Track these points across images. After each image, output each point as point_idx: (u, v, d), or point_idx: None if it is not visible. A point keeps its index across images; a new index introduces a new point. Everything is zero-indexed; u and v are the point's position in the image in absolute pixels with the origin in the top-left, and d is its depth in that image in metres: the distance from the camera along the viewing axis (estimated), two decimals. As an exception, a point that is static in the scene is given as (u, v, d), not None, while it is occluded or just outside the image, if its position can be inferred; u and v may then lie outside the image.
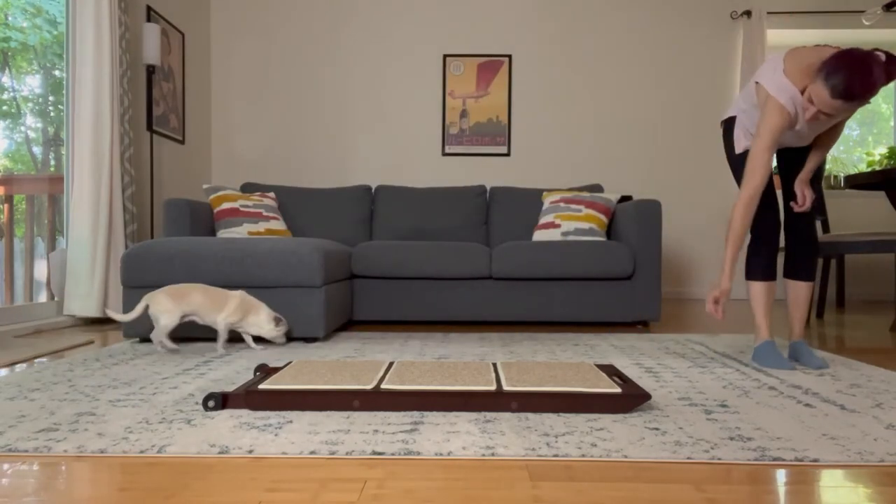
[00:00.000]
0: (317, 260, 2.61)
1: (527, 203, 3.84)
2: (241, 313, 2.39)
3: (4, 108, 3.43)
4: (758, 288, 2.17)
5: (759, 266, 2.17)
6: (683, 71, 5.03)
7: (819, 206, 2.25)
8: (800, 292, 2.22)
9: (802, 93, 1.92)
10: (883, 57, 1.76)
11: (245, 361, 2.17)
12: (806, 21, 4.98)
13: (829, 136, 2.15)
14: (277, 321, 2.45)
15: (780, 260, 5.23)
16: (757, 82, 2.03)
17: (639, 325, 3.31)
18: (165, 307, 2.30)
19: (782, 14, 4.94)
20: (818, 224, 3.59)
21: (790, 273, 2.23)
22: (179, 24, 4.48)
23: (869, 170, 4.65)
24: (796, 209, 2.18)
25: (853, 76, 1.73)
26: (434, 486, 1.05)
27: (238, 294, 2.42)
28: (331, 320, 2.75)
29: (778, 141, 1.97)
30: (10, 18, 3.32)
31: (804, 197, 2.16)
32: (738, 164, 2.26)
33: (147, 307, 2.32)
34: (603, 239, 3.40)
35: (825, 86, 1.77)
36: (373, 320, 3.38)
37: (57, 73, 3.55)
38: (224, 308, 2.36)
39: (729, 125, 2.29)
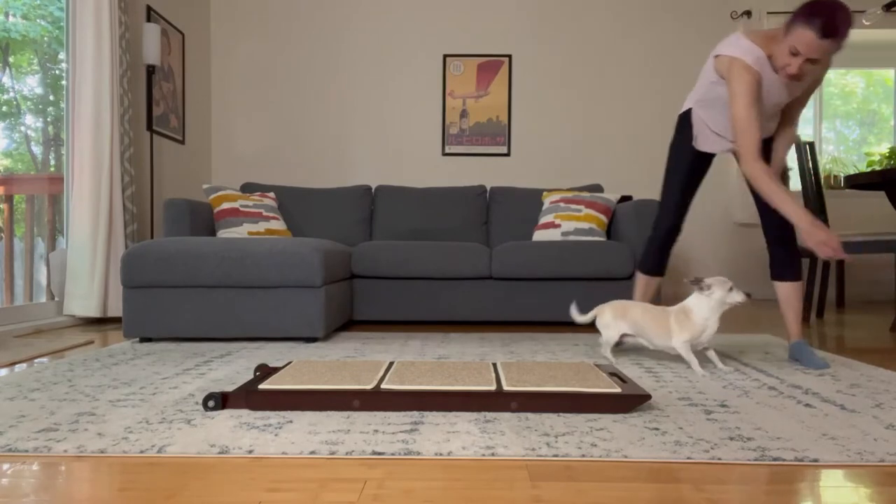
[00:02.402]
0: (317, 260, 2.61)
1: (527, 203, 3.84)
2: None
3: (4, 108, 3.43)
4: (640, 279, 2.45)
5: (644, 259, 2.44)
6: (683, 71, 5.03)
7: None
8: (789, 293, 2.20)
9: (770, 58, 1.97)
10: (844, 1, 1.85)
11: (245, 361, 2.17)
12: (806, 21, 4.97)
13: (783, 121, 2.19)
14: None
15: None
16: (717, 55, 2.05)
17: (639, 325, 3.31)
18: (605, 321, 2.18)
19: (782, 14, 4.94)
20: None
21: (776, 275, 2.22)
22: (179, 24, 4.48)
23: (869, 170, 4.66)
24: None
25: (835, 13, 1.78)
26: (434, 486, 1.05)
27: (674, 308, 2.08)
28: (331, 320, 2.75)
29: (757, 97, 1.96)
30: (10, 19, 3.31)
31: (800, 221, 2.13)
32: (673, 152, 2.33)
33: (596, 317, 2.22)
34: (603, 239, 3.40)
35: (810, 28, 1.80)
36: (373, 320, 3.38)
37: (57, 72, 3.55)
38: (668, 328, 2.04)
39: (685, 117, 2.29)
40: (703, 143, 2.26)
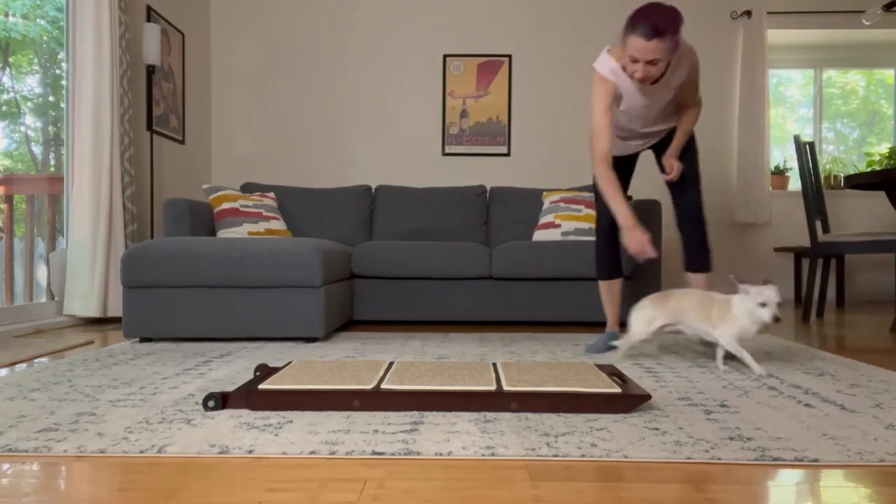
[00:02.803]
0: (317, 260, 2.61)
1: (527, 203, 3.84)
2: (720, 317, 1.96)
3: (4, 108, 3.43)
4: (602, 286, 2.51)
5: (601, 266, 2.50)
6: (683, 71, 5.02)
7: (689, 181, 2.30)
8: (699, 285, 2.32)
9: (625, 69, 2.06)
10: (668, 5, 1.95)
11: (245, 361, 2.17)
12: (806, 21, 4.98)
13: (681, 112, 2.28)
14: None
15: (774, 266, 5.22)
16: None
17: (639, 325, 3.31)
18: (647, 315, 2.07)
19: (782, 14, 4.94)
20: (818, 224, 3.58)
21: (688, 266, 2.32)
22: (179, 24, 4.48)
23: (869, 170, 4.65)
24: (665, 178, 2.30)
25: (654, 15, 1.89)
26: (434, 486, 1.05)
27: (721, 297, 2.00)
28: (331, 320, 2.75)
29: (609, 106, 2.11)
30: (10, 19, 3.31)
31: (671, 167, 2.27)
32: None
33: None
34: (603, 239, 3.40)
35: (636, 34, 1.91)
36: (373, 320, 3.38)
37: (57, 72, 3.55)
38: (709, 315, 1.97)
39: None
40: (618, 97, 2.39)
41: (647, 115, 2.26)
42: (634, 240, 1.99)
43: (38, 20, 3.45)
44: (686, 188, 2.30)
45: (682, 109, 2.31)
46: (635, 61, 1.97)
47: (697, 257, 2.29)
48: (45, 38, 3.50)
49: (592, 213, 3.46)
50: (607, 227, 2.44)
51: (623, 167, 2.46)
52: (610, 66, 2.12)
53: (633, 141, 2.40)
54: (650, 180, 5.04)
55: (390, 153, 5.03)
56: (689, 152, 2.34)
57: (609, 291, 2.50)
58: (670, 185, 2.37)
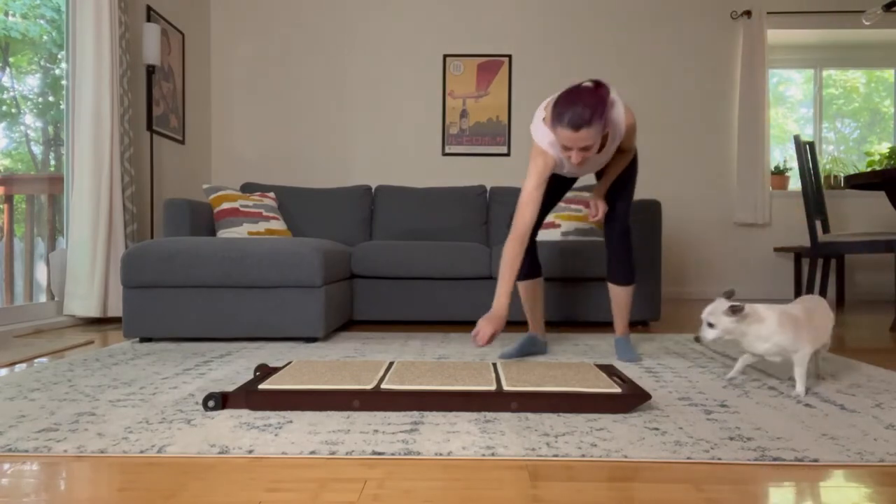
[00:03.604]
0: (317, 260, 2.61)
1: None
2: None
3: (4, 108, 3.43)
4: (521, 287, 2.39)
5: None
6: (683, 71, 5.03)
7: (620, 207, 2.28)
8: (618, 295, 2.32)
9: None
10: (590, 84, 1.89)
11: (245, 361, 2.17)
12: (806, 21, 4.98)
13: (616, 166, 2.24)
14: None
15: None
16: (533, 125, 2.14)
17: (639, 324, 3.31)
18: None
19: (782, 14, 4.94)
20: (818, 224, 3.58)
21: (610, 278, 2.32)
22: (179, 24, 4.48)
23: (869, 170, 4.65)
24: (589, 219, 2.29)
25: (574, 105, 1.83)
26: (434, 486, 1.05)
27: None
28: (331, 320, 2.75)
29: (544, 180, 2.06)
30: (10, 18, 3.31)
31: (596, 209, 2.26)
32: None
33: None
34: (603, 239, 3.40)
35: (562, 127, 1.85)
36: (373, 320, 3.38)
37: (57, 72, 3.55)
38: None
39: None
40: (557, 168, 2.38)
41: (593, 170, 2.26)
42: (483, 328, 1.94)
43: (37, 20, 3.45)
44: (617, 212, 2.27)
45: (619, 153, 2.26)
46: (568, 149, 1.91)
47: (619, 272, 2.28)
48: (44, 37, 3.50)
49: (592, 213, 3.46)
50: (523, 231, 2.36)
51: (560, 185, 2.38)
52: (549, 139, 2.05)
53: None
54: (651, 180, 5.04)
55: (390, 153, 5.03)
56: (624, 176, 2.28)
57: (527, 292, 2.38)
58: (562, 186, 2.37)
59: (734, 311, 1.64)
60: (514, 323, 3.44)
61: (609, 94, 1.88)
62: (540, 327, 2.39)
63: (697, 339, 1.71)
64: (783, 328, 1.65)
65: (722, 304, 1.69)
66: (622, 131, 2.05)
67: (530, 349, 2.33)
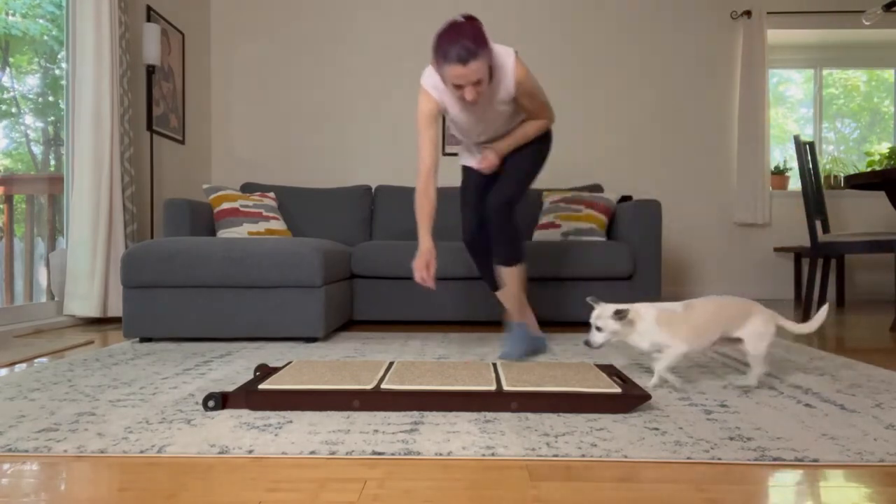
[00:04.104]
0: (317, 260, 2.61)
1: (527, 203, 3.84)
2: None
3: (4, 107, 3.43)
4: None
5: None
6: (683, 71, 5.03)
7: (504, 181, 2.18)
8: (499, 275, 2.26)
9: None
10: (461, 17, 1.91)
11: (245, 361, 2.17)
12: (806, 21, 4.98)
13: (526, 112, 2.18)
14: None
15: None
16: None
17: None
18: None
19: (782, 14, 4.94)
20: (818, 224, 3.58)
21: (494, 258, 2.28)
22: (179, 24, 4.48)
23: (869, 170, 4.65)
24: (475, 165, 2.24)
25: (459, 37, 1.84)
26: (434, 486, 1.05)
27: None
28: (331, 320, 2.75)
29: (430, 122, 2.09)
30: (10, 17, 3.31)
31: (484, 157, 2.19)
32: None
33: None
34: (603, 239, 3.40)
35: (449, 63, 1.86)
36: (373, 320, 3.38)
37: (57, 72, 3.55)
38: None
39: None
40: (466, 160, 2.40)
41: (487, 130, 2.20)
42: (419, 265, 2.02)
43: (37, 20, 3.45)
44: (498, 186, 2.18)
45: (526, 114, 2.22)
46: (460, 87, 1.91)
47: (497, 251, 2.19)
48: (45, 36, 3.50)
49: (592, 213, 3.46)
50: (475, 224, 2.31)
51: (487, 178, 2.34)
52: (433, 82, 2.08)
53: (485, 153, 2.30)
54: (652, 180, 5.04)
55: (390, 153, 5.03)
56: (522, 153, 2.23)
57: (505, 297, 2.32)
58: (488, 177, 2.31)
59: (619, 315, 1.69)
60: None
61: (482, 28, 1.90)
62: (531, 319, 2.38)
63: (587, 343, 1.74)
64: (659, 325, 1.70)
65: (608, 308, 1.72)
66: (510, 80, 2.03)
67: (533, 346, 2.32)
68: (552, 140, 2.34)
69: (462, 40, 1.83)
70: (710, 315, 1.73)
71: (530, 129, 2.21)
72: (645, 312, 1.73)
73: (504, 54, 2.03)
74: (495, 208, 2.14)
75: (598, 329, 1.73)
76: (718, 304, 1.75)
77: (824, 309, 1.78)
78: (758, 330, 1.72)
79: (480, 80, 1.90)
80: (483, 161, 2.20)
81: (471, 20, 1.89)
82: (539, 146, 2.26)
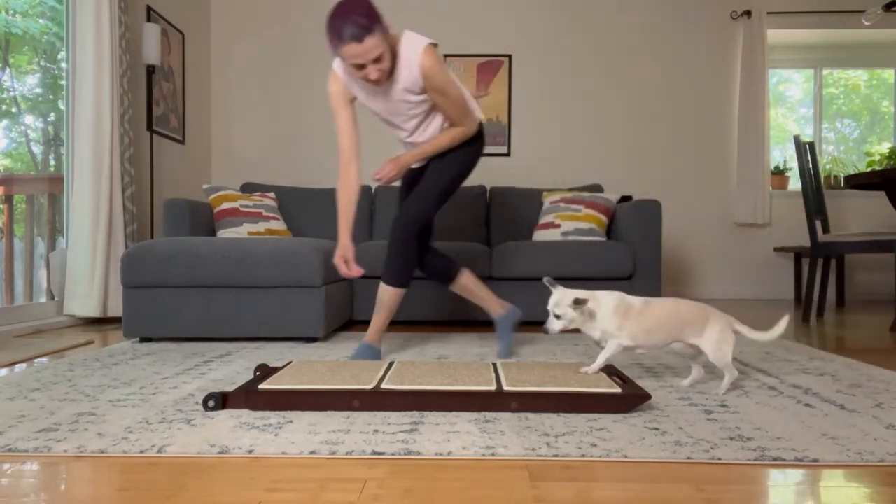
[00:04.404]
0: (317, 260, 2.61)
1: (527, 203, 3.84)
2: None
3: (4, 107, 3.43)
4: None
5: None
6: (683, 71, 5.03)
7: (416, 195, 2.12)
8: (380, 293, 2.17)
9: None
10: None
11: (245, 361, 2.17)
12: (806, 21, 4.98)
13: (446, 116, 2.11)
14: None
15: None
16: None
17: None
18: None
19: (782, 14, 4.94)
20: (818, 224, 3.58)
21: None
22: (179, 24, 4.48)
23: (869, 170, 4.65)
24: (374, 177, 2.14)
25: (349, 14, 1.80)
26: (434, 486, 1.04)
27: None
28: (331, 320, 2.75)
29: (341, 105, 2.09)
30: (10, 17, 3.31)
31: (383, 168, 2.10)
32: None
33: None
34: (603, 239, 3.40)
35: (345, 43, 1.83)
36: (373, 320, 3.38)
37: (57, 72, 3.55)
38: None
39: None
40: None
41: (405, 126, 2.14)
42: (337, 262, 2.03)
43: (38, 20, 3.45)
44: (410, 199, 2.11)
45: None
46: (362, 66, 1.87)
47: (385, 264, 2.13)
48: (44, 36, 3.50)
49: (592, 213, 3.46)
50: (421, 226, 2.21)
51: (416, 178, 2.30)
52: (341, 63, 2.05)
53: (406, 144, 2.26)
54: (652, 180, 5.04)
55: (390, 153, 5.03)
56: (445, 163, 2.14)
57: (463, 290, 2.29)
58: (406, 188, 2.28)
59: (578, 303, 1.66)
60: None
61: (372, 4, 1.86)
62: (499, 303, 2.34)
63: (545, 331, 1.71)
64: (614, 314, 1.66)
65: (567, 296, 1.68)
66: (416, 68, 1.96)
67: (511, 323, 2.29)
68: (482, 146, 2.22)
69: (353, 17, 1.79)
70: (664, 317, 1.68)
71: (444, 139, 2.11)
72: (604, 301, 1.68)
73: (414, 42, 1.96)
74: (400, 221, 2.08)
75: (557, 317, 1.68)
76: (675, 308, 1.70)
77: (785, 319, 1.73)
78: (714, 337, 1.66)
79: (380, 56, 1.87)
80: (380, 170, 2.10)
81: None
82: (462, 157, 2.16)
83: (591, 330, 1.70)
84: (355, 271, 2.03)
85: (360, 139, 2.13)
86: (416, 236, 2.10)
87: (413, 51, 1.96)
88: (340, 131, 2.11)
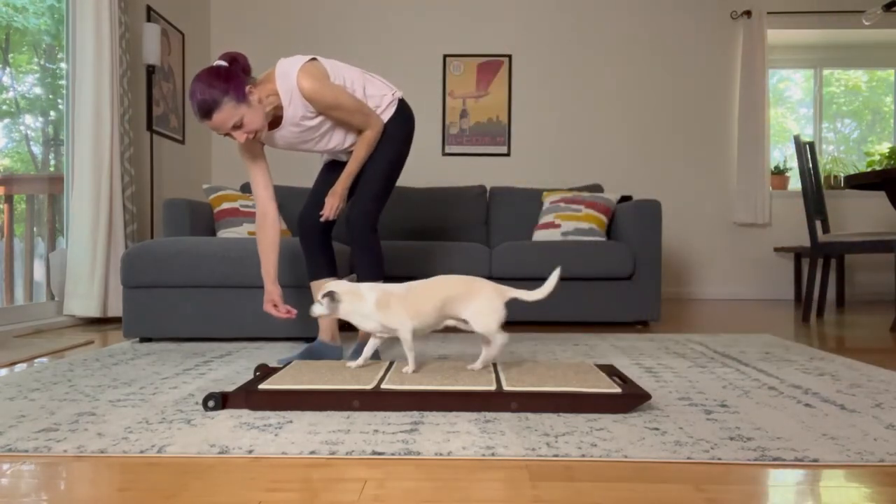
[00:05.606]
0: (317, 260, 2.60)
1: (527, 203, 3.84)
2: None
3: (4, 107, 3.43)
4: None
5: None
6: (683, 71, 5.03)
7: (360, 196, 2.11)
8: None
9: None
10: (217, 61, 1.86)
11: (245, 361, 2.17)
12: (806, 21, 4.98)
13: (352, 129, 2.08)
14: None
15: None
16: None
17: (639, 324, 3.31)
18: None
19: (782, 14, 4.94)
20: (818, 224, 3.58)
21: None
22: (179, 24, 4.48)
23: (869, 170, 4.65)
24: (322, 219, 2.11)
25: (194, 93, 1.80)
26: (434, 486, 1.04)
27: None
28: (331, 320, 2.75)
29: (248, 158, 2.05)
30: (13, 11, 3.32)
31: (329, 207, 2.07)
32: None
33: None
34: (603, 239, 3.40)
35: (200, 119, 1.84)
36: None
37: (57, 72, 3.55)
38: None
39: None
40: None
41: (320, 145, 2.10)
42: (267, 308, 2.01)
43: (39, 18, 3.45)
44: (354, 201, 2.11)
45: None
46: (226, 134, 1.86)
47: (362, 275, 2.11)
48: (44, 36, 3.50)
49: (592, 213, 3.46)
50: (319, 228, 2.21)
51: (330, 179, 2.25)
52: None
53: (341, 156, 2.24)
54: (652, 180, 5.04)
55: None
56: (374, 164, 2.11)
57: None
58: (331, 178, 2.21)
59: (325, 296, 1.67)
60: (513, 323, 3.44)
61: (237, 63, 1.85)
62: (333, 333, 2.26)
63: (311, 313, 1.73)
64: (380, 307, 1.67)
65: (333, 286, 1.69)
66: (298, 97, 1.92)
67: (316, 355, 2.17)
68: (405, 121, 2.16)
69: (197, 96, 1.79)
70: (429, 295, 1.68)
71: (361, 151, 2.07)
72: (367, 294, 1.68)
73: (288, 69, 1.92)
74: (351, 223, 2.09)
75: (321, 304, 1.70)
76: (440, 285, 1.70)
77: (556, 273, 1.72)
78: (481, 309, 1.66)
79: (240, 122, 1.83)
80: (324, 210, 2.08)
81: (209, 71, 1.81)
82: (388, 154, 2.12)
83: (361, 323, 1.71)
84: (287, 313, 2.00)
85: (272, 186, 2.10)
86: (372, 231, 2.11)
87: (289, 80, 1.91)
88: (254, 183, 2.07)
